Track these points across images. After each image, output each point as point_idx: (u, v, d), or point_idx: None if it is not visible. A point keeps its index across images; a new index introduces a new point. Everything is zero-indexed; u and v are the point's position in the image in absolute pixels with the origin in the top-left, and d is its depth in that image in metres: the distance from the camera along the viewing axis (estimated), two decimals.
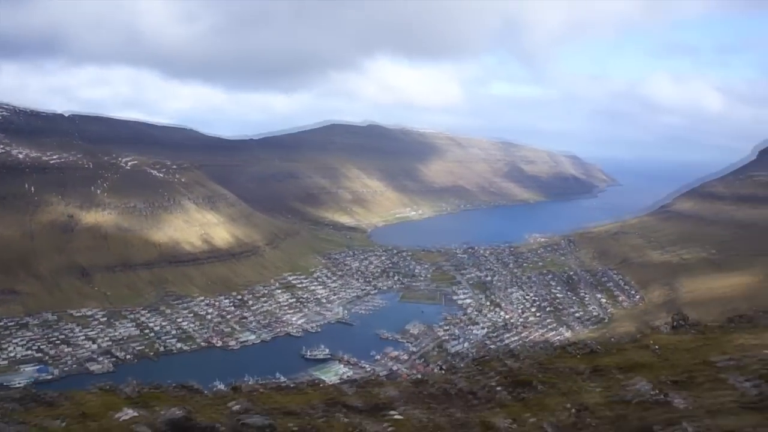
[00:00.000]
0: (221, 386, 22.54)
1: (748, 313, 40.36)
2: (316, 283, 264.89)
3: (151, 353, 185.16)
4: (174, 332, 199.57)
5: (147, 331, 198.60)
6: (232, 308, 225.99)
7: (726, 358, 17.74)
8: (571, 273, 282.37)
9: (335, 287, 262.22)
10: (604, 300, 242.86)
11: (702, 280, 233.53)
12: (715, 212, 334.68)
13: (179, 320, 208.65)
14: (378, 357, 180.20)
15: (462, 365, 26.48)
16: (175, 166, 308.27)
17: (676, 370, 16.71)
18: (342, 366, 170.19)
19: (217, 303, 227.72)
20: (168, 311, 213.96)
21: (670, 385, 13.73)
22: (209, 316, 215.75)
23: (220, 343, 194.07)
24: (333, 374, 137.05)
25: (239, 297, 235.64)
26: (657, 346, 24.50)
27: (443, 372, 23.63)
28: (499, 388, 15.33)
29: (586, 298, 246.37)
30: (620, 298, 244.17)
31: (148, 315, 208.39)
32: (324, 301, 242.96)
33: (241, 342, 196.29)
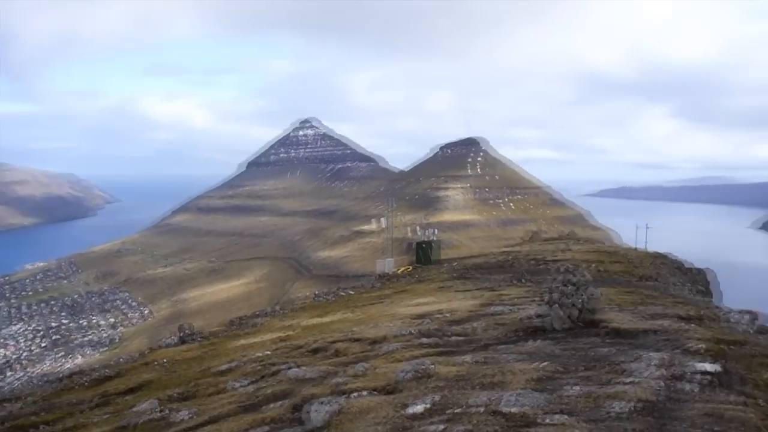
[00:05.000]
0: None
1: (246, 315, 43.25)
2: None
3: None
4: None
5: None
6: None
7: (227, 363, 18.67)
8: (77, 297, 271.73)
9: None
10: (113, 320, 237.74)
11: (205, 289, 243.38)
12: (211, 223, 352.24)
13: None
14: None
15: None
16: None
17: (182, 383, 17.03)
18: None
19: None
20: None
21: (177, 400, 13.94)
22: None
23: None
24: None
25: None
26: (165, 361, 24.78)
27: None
28: None
29: (95, 321, 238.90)
30: (130, 316, 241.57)
31: None
32: None
33: None
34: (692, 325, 15.04)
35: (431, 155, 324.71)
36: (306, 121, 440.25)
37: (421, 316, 22.38)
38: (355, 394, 9.87)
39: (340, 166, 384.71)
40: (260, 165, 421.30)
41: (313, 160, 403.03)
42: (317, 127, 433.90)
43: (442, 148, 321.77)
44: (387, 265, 54.94)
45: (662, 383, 9.42)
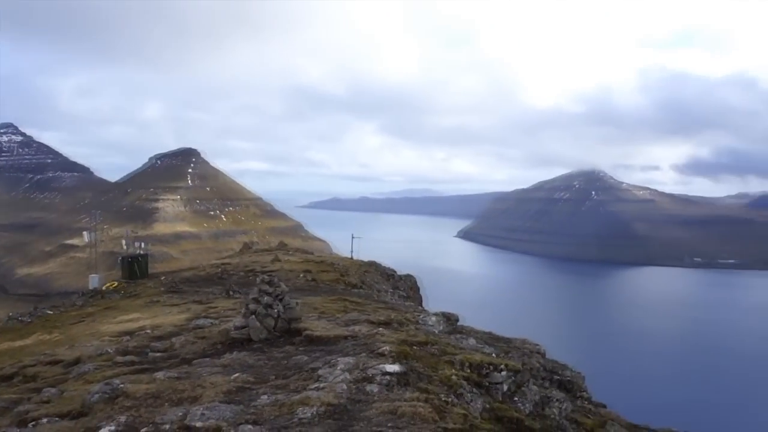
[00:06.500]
0: None
1: None
2: None
3: None
4: None
5: None
6: None
7: None
8: None
9: None
10: None
11: None
12: None
13: None
14: None
15: None
16: None
17: None
18: None
19: None
20: None
21: None
22: None
23: None
24: None
25: None
26: None
27: None
28: None
29: None
30: None
31: None
32: None
33: None
34: (384, 329, 16.00)
35: (145, 166, 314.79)
36: (5, 126, 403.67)
37: (124, 334, 21.65)
38: (40, 421, 9.36)
39: (43, 176, 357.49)
40: None
41: (12, 168, 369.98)
42: (18, 134, 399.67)
43: (156, 159, 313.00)
44: (93, 281, 52.08)
45: (348, 386, 9.96)
